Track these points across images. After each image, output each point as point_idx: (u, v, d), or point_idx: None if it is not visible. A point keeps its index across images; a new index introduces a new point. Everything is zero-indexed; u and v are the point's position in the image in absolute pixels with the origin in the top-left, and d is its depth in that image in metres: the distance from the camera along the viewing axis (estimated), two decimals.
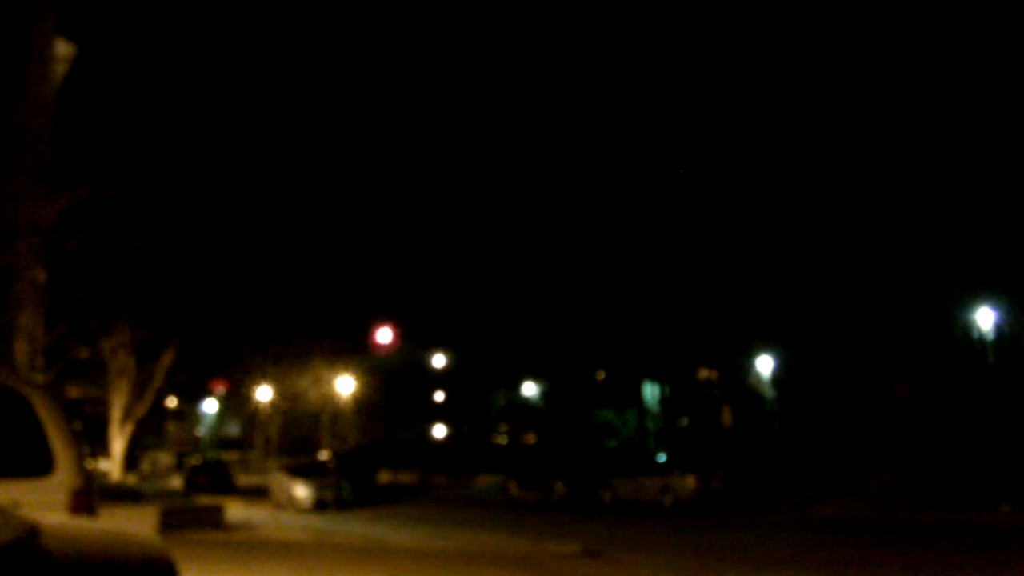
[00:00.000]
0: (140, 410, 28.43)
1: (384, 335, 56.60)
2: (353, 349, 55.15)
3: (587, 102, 67.78)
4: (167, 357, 27.87)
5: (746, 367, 46.76)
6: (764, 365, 44.77)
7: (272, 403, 55.32)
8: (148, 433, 48.08)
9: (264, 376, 52.83)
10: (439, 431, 66.56)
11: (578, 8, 66.15)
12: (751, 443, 39.89)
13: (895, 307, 38.83)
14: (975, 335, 35.00)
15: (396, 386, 62.43)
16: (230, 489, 39.87)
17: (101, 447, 33.15)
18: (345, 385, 52.33)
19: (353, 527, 22.84)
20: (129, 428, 28.30)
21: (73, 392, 28.30)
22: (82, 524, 5.70)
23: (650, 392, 51.32)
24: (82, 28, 24.19)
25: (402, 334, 58.69)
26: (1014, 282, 33.90)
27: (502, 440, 61.40)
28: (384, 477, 48.98)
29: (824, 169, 40.99)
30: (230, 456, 56.01)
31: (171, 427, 61.00)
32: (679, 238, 46.16)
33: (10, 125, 19.69)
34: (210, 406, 63.81)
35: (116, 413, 27.88)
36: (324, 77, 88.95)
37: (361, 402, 56.95)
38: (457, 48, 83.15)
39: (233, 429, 67.98)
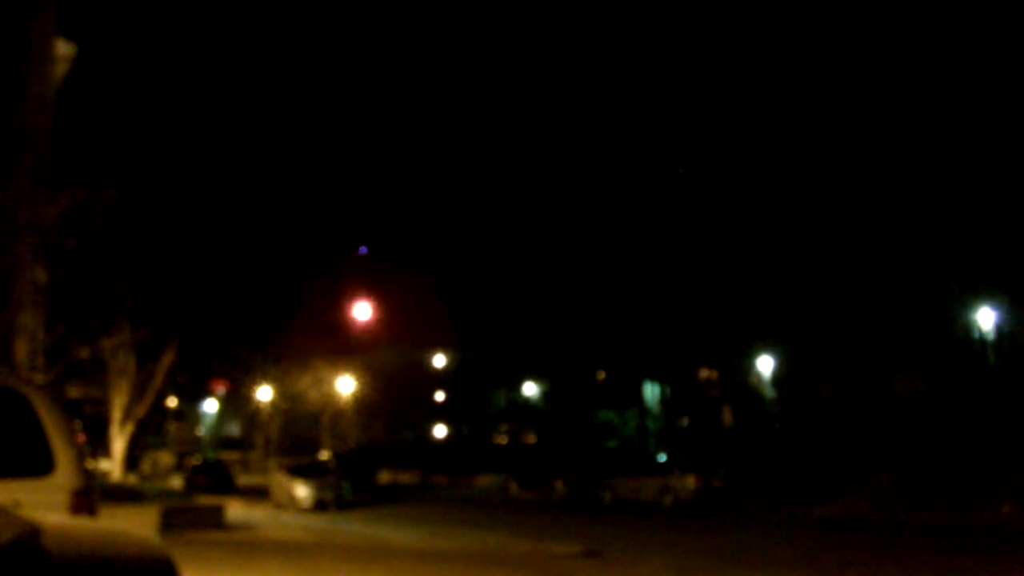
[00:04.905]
0: (140, 410, 28.47)
1: (362, 311, 52.98)
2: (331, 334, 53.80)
3: (587, 102, 67.79)
4: (167, 357, 27.90)
5: (746, 367, 46.73)
6: (764, 365, 44.76)
7: (272, 403, 55.31)
8: (148, 433, 48.08)
9: (264, 376, 52.83)
10: (439, 431, 66.52)
11: (578, 8, 66.16)
12: (751, 443, 39.88)
13: (896, 307, 38.81)
14: (975, 335, 34.96)
15: (396, 386, 62.39)
16: (230, 489, 39.85)
17: (101, 447, 33.15)
18: (345, 385, 52.31)
19: (353, 527, 22.85)
20: (129, 428, 28.34)
21: (73, 392, 28.32)
22: (82, 524, 5.69)
23: (650, 392, 51.29)
24: (82, 28, 24.19)
25: (385, 321, 55.69)
26: (1014, 282, 33.88)
27: (502, 440, 61.36)
28: (384, 477, 48.98)
29: (824, 169, 40.98)
30: (230, 456, 55.98)
31: (171, 427, 60.97)
32: (679, 238, 46.15)
33: (10, 125, 19.67)
34: (210, 406, 63.80)
35: (116, 413, 27.92)
36: (324, 76, 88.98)
37: (361, 402, 56.93)
38: (458, 48, 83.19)
39: (233, 429, 67.97)
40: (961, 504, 23.22)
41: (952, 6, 38.05)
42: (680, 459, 32.83)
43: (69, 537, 4.10)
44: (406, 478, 49.94)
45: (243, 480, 46.09)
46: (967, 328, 35.67)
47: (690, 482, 28.84)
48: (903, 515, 23.20)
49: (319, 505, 30.39)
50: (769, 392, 45.65)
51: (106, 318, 23.86)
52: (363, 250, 60.38)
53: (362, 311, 52.54)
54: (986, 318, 33.87)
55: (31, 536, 3.63)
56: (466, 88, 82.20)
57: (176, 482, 44.02)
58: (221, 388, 58.40)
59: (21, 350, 19.28)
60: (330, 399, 54.01)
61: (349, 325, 54.23)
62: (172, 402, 53.09)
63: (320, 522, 25.09)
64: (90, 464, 30.29)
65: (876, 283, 38.89)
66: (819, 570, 14.33)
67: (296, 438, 56.28)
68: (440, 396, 67.11)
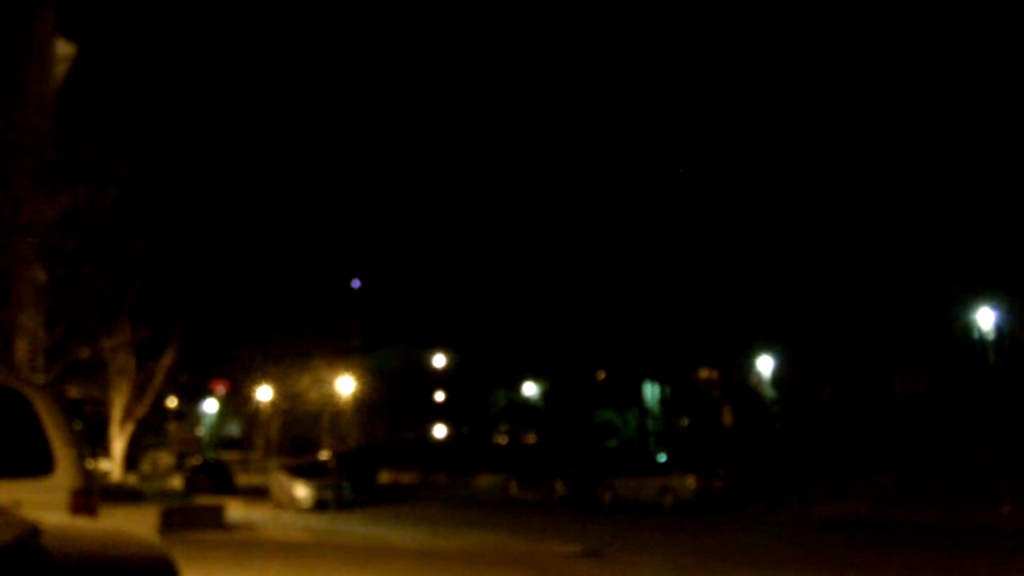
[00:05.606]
0: (140, 410, 28.44)
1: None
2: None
3: (587, 101, 67.79)
4: (167, 357, 27.86)
5: (746, 367, 46.70)
6: (764, 365, 44.72)
7: (272, 403, 55.29)
8: (148, 433, 48.03)
9: (264, 376, 52.81)
10: (439, 431, 66.51)
11: (578, 8, 66.16)
12: (751, 443, 39.82)
13: (895, 307, 38.79)
14: (975, 335, 34.93)
15: (396, 386, 62.41)
16: (230, 489, 39.82)
17: (101, 447, 33.12)
18: (345, 385, 52.32)
19: (353, 527, 22.84)
20: (129, 428, 28.31)
21: (73, 392, 28.29)
22: (82, 524, 5.70)
23: (650, 392, 51.26)
24: (82, 28, 24.21)
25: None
26: (1014, 282, 33.84)
27: (502, 440, 61.35)
28: (384, 477, 48.96)
29: (824, 169, 40.97)
30: (230, 456, 55.92)
31: (171, 427, 60.92)
32: (679, 238, 46.13)
33: (11, 125, 19.68)
34: (210, 406, 63.75)
35: (116, 413, 27.88)
36: (324, 77, 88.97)
37: (361, 402, 56.93)
38: (457, 48, 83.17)
39: (233, 429, 67.91)
40: (961, 504, 23.19)
41: (952, 6, 38.05)
42: (680, 459, 32.81)
43: (69, 537, 4.10)
44: (406, 478, 49.93)
45: (243, 480, 46.06)
46: (967, 328, 35.64)
47: (690, 482, 28.83)
48: (903, 515, 23.19)
49: (319, 505, 30.38)
50: (769, 392, 45.61)
51: (106, 318, 23.83)
52: (356, 283, 61.17)
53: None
54: (986, 318, 33.83)
55: (31, 536, 3.63)
56: (468, 86, 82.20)
57: (176, 482, 43.98)
58: (221, 388, 58.39)
59: (21, 350, 19.30)
60: (330, 399, 54.03)
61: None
62: (172, 402, 53.03)
63: (320, 522, 25.08)
64: (90, 464, 30.23)
65: (876, 283, 38.86)
66: (819, 570, 14.33)
67: (296, 438, 56.29)
68: (440, 396, 67.10)
